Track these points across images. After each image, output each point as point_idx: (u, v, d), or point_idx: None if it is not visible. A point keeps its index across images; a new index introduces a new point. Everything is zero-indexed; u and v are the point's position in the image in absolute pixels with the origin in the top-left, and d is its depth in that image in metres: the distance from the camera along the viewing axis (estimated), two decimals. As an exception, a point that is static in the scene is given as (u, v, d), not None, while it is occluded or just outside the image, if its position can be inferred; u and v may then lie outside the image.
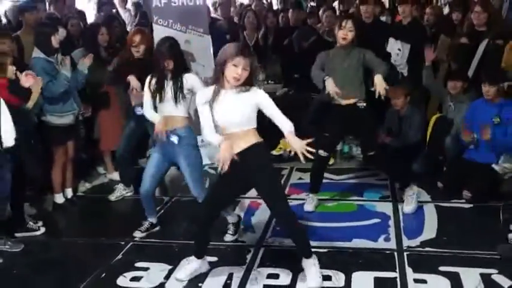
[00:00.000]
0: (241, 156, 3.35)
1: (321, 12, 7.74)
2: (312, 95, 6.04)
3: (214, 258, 3.90)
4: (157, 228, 4.48)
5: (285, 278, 3.63)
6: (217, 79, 3.36)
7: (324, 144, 4.70)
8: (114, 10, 8.33)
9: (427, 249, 4.01)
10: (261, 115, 3.41)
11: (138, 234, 4.38)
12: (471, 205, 4.77)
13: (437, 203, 4.86)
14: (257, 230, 4.43)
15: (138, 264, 3.92)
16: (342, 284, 3.55)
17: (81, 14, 7.29)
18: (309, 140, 3.25)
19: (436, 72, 5.97)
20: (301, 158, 3.26)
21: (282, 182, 5.45)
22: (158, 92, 4.03)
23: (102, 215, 5.06)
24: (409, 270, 3.68)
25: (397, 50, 5.91)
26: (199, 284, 3.63)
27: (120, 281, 3.72)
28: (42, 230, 4.56)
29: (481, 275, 3.57)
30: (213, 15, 7.83)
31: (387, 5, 8.31)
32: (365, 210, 4.80)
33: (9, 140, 3.96)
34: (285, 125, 3.34)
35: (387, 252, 3.99)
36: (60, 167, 5.02)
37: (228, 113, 3.31)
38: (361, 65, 4.51)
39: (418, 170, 5.47)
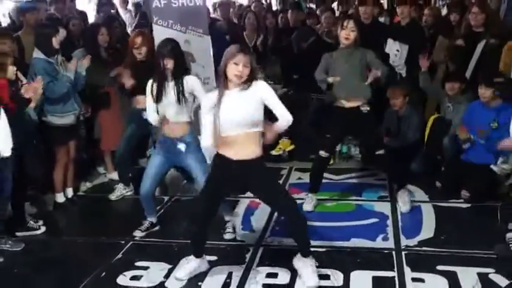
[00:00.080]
0: (239, 166, 3.37)
1: (318, 12, 7.77)
2: (312, 95, 6.06)
3: (213, 258, 3.92)
4: (157, 228, 4.50)
5: (283, 277, 3.65)
6: (221, 82, 3.38)
7: (325, 145, 4.72)
8: (113, 11, 8.31)
9: (425, 248, 4.03)
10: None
11: (138, 234, 4.40)
12: (469, 205, 4.79)
13: (435, 202, 4.88)
14: (256, 229, 4.45)
15: (138, 264, 3.94)
16: (340, 283, 3.57)
17: (83, 15, 7.28)
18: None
19: (434, 74, 5.99)
20: (266, 138, 3.40)
21: (281, 181, 5.47)
22: (159, 93, 4.02)
23: (103, 215, 5.07)
24: (407, 270, 3.70)
25: (395, 50, 5.92)
26: (199, 283, 3.65)
27: (120, 280, 3.74)
28: (43, 229, 4.57)
29: (479, 274, 3.59)
30: (212, 15, 7.86)
31: (386, 6, 8.35)
32: (363, 209, 4.82)
33: (6, 150, 3.96)
34: (285, 116, 3.37)
35: (385, 251, 4.00)
36: (62, 166, 5.03)
37: (231, 112, 3.30)
38: (364, 65, 4.53)
39: (417, 170, 5.50)
